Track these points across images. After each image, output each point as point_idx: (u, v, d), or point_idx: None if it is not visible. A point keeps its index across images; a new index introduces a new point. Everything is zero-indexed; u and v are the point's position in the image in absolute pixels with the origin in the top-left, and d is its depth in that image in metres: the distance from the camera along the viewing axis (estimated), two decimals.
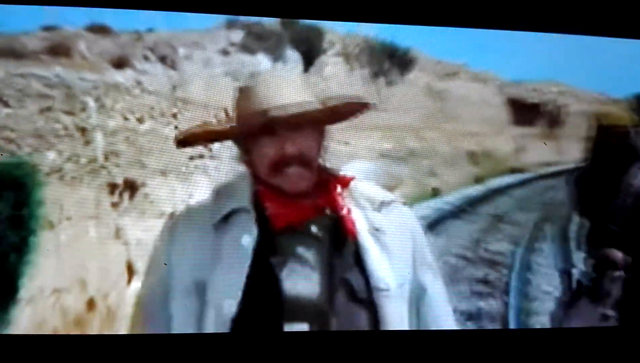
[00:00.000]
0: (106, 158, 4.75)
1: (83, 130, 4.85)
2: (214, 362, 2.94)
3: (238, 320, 2.35)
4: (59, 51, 4.90)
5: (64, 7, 5.26)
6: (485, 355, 3.23)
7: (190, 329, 2.40)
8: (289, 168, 2.37)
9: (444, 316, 2.60)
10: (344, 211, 2.42)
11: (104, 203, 4.48)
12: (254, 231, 2.39)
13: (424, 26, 3.86)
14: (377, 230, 2.44)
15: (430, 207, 6.52)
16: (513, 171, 7.22)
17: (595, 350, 3.25)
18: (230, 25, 5.35)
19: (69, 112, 4.74)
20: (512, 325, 5.13)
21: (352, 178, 2.48)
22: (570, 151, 6.50)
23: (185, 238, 2.49)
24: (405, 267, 2.48)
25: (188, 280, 2.40)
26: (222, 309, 2.35)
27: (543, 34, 3.87)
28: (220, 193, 2.54)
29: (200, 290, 2.39)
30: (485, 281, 5.62)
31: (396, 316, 2.45)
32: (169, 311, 2.44)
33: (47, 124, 4.72)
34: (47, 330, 3.99)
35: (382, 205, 2.48)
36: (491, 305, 5.32)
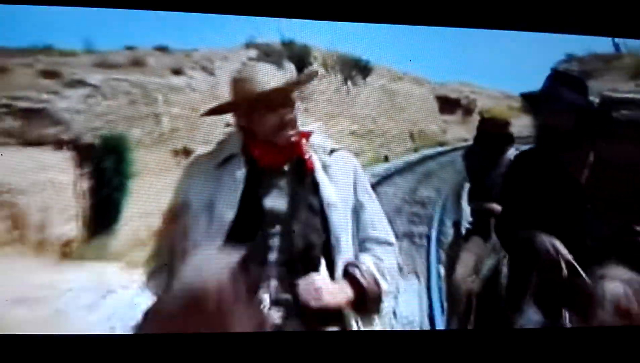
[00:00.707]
0: (170, 133, 5.52)
1: (156, 115, 5.61)
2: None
3: (234, 226, 2.47)
4: (137, 63, 5.60)
5: (141, 33, 6.02)
6: (484, 355, 3.07)
7: (202, 236, 2.50)
8: (286, 130, 2.50)
9: (378, 223, 2.68)
10: (306, 156, 2.57)
11: (170, 162, 5.01)
12: (244, 168, 2.54)
13: (379, 40, 3.85)
14: (327, 166, 2.59)
15: (383, 168, 7.31)
16: (439, 144, 7.90)
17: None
18: (248, 46, 5.63)
19: (146, 104, 5.50)
20: (433, 242, 5.72)
21: (311, 133, 2.63)
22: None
23: (198, 174, 2.61)
24: (348, 191, 2.61)
25: (201, 202, 2.54)
26: (222, 219, 2.48)
27: (465, 45, 3.94)
28: (220, 145, 2.67)
29: (210, 207, 2.51)
30: (417, 215, 6.38)
31: (341, 223, 2.58)
32: (189, 223, 2.56)
33: (133, 111, 5.48)
34: (138, 239, 4.49)
35: (331, 151, 2.62)
36: (420, 228, 6.03)
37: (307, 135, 2.60)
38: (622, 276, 2.61)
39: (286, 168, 2.55)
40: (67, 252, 4.83)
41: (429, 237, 5.92)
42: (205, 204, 2.52)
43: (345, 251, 2.56)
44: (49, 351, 2.86)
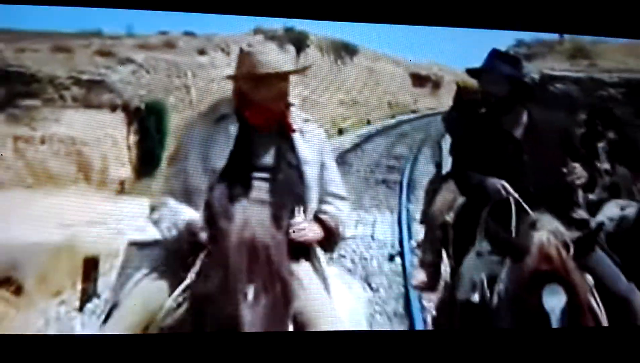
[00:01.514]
0: (197, 101, 5.85)
1: (186, 86, 6.03)
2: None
3: (225, 169, 2.53)
4: (169, 45, 6.04)
5: (169, 18, 6.23)
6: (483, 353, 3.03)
7: (199, 178, 2.54)
8: (280, 100, 2.58)
9: (337, 182, 2.76)
10: (288, 120, 2.64)
11: None
12: (236, 125, 2.59)
13: (365, 25, 3.85)
14: (303, 132, 2.67)
15: (366, 130, 7.67)
16: (412, 111, 8.12)
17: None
18: (255, 32, 5.77)
19: (178, 77, 6.00)
20: (404, 188, 6.06)
21: (293, 104, 2.68)
22: (443, 102, 7.37)
23: (195, 128, 2.65)
24: (317, 153, 2.69)
25: (198, 152, 2.55)
26: (216, 165, 2.52)
27: (433, 33, 3.94)
28: (213, 107, 2.71)
29: (205, 155, 2.54)
30: (392, 166, 6.76)
31: (313, 178, 2.65)
32: (187, 167, 2.57)
33: (168, 83, 5.93)
34: None
35: (304, 121, 2.70)
36: (394, 176, 6.43)
37: (290, 106, 2.68)
38: (548, 226, 2.67)
39: (272, 129, 2.63)
40: (121, 189, 5.29)
41: (401, 183, 6.28)
42: (201, 153, 2.55)
43: (315, 201, 2.70)
44: (49, 351, 2.81)
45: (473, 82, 3.48)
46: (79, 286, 4.07)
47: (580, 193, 3.20)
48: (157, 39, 6.00)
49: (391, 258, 4.81)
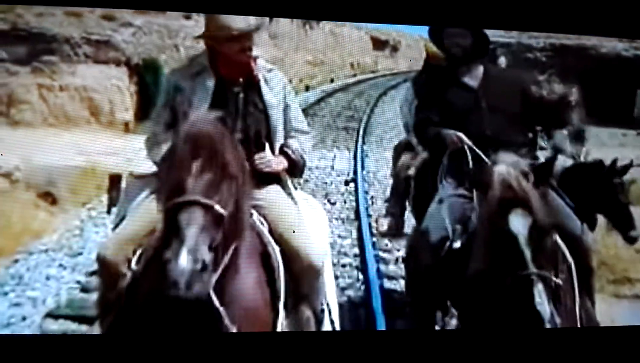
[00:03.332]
0: (185, 56, 6.32)
1: (175, 45, 7.04)
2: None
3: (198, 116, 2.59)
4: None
5: None
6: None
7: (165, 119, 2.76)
8: (244, 53, 2.85)
9: (300, 119, 3.08)
10: (254, 72, 2.91)
11: None
12: (213, 78, 2.87)
13: None
14: (267, 80, 2.94)
15: (330, 87, 8.76)
16: (372, 72, 9.08)
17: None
18: None
19: (169, 38, 7.05)
20: (360, 133, 7.17)
21: (258, 57, 2.94)
22: (400, 64, 9.03)
23: (178, 79, 2.92)
24: (281, 97, 2.98)
25: (179, 95, 2.80)
26: (200, 109, 2.68)
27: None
28: (192, 60, 3.00)
29: (187, 100, 2.76)
30: (352, 116, 7.95)
31: (278, 118, 3.00)
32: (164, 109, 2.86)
33: (162, 43, 6.99)
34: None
35: (269, 70, 2.97)
36: (353, 125, 7.67)
37: (255, 58, 2.96)
38: (508, 160, 2.83)
39: (241, 80, 2.93)
40: (127, 129, 6.33)
41: (358, 130, 7.53)
42: (186, 98, 2.79)
43: (280, 137, 3.03)
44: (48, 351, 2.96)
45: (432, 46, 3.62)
46: (103, 198, 5.18)
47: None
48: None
49: (346, 182, 6.10)
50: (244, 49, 2.90)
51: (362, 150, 6.92)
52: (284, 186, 3.04)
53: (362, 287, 4.36)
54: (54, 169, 4.98)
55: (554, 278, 2.76)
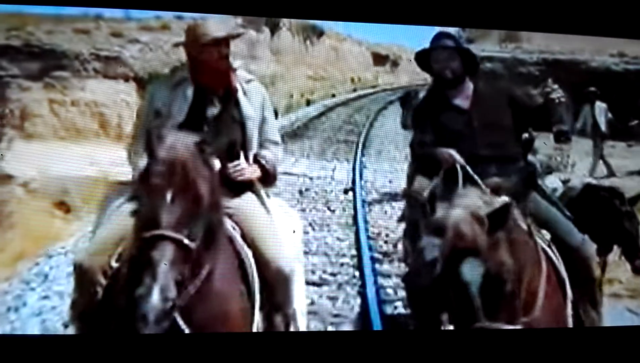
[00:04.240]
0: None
1: (180, 60, 6.85)
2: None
3: (183, 124, 2.90)
4: (164, 27, 7.42)
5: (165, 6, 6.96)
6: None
7: (164, 129, 2.85)
8: (224, 61, 2.99)
9: (275, 131, 3.25)
10: (233, 84, 3.05)
11: None
12: (192, 87, 3.01)
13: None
14: (246, 91, 3.07)
15: (331, 101, 9.04)
16: (372, 87, 9.29)
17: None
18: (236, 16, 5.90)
19: (173, 53, 6.48)
20: (360, 147, 7.51)
21: (237, 68, 3.08)
22: (400, 79, 9.18)
23: (158, 91, 3.08)
24: (258, 109, 3.13)
25: (159, 105, 2.98)
26: (176, 119, 2.93)
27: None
28: (173, 71, 3.18)
29: (167, 110, 2.97)
30: (351, 130, 8.31)
31: (253, 132, 3.12)
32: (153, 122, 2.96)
33: (167, 58, 7.15)
34: None
35: (248, 81, 3.10)
36: (352, 138, 8.06)
37: (234, 69, 3.07)
38: (468, 202, 2.86)
39: (220, 90, 3.04)
40: None
41: (357, 143, 7.93)
42: (166, 109, 2.97)
43: (255, 147, 3.13)
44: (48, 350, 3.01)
45: None
46: None
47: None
48: (155, 23, 7.39)
49: (345, 191, 6.50)
50: (222, 56, 3.03)
51: (361, 162, 7.31)
52: (257, 194, 3.15)
53: (359, 282, 4.79)
54: (67, 179, 5.21)
55: (510, 327, 2.77)
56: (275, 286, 2.98)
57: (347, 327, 4.23)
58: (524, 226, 3.05)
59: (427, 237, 3.12)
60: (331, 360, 3.31)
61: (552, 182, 4.43)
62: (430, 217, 3.04)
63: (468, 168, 3.27)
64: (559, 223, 3.37)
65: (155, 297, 2.40)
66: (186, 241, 2.54)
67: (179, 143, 2.63)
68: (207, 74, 3.08)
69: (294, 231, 3.29)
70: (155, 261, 2.46)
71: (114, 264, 2.83)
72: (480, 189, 3.07)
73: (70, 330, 3.07)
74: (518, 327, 2.76)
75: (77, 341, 3.09)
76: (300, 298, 3.18)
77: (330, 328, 4.19)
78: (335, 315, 4.39)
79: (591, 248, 3.37)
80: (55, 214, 5.55)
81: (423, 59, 3.57)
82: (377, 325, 4.13)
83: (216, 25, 3.08)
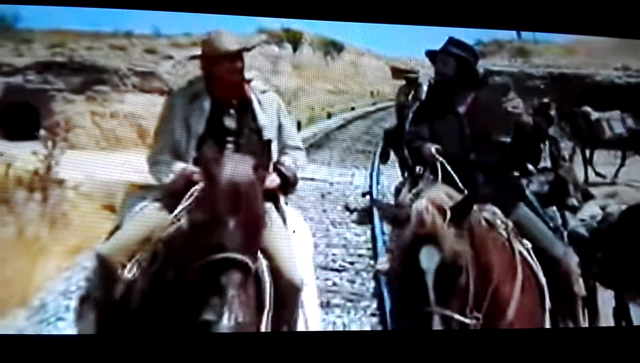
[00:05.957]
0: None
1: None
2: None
3: (203, 137, 3.13)
4: (194, 44, 6.32)
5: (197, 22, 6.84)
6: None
7: (185, 142, 3.13)
8: (239, 74, 3.21)
9: (294, 137, 3.43)
10: (248, 94, 3.26)
11: None
12: (209, 100, 3.26)
13: (352, 24, 4.34)
14: (261, 102, 3.29)
15: (350, 115, 9.46)
16: (391, 100, 8.98)
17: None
18: (260, 31, 6.74)
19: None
20: (377, 157, 7.96)
21: (252, 79, 3.29)
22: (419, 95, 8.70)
23: (177, 102, 3.30)
24: (274, 117, 3.32)
25: (180, 119, 3.19)
26: (197, 132, 3.18)
27: (412, 32, 4.37)
28: (190, 84, 3.36)
29: (186, 124, 3.22)
30: (370, 141, 8.75)
31: (271, 137, 3.35)
32: (174, 135, 3.22)
33: (198, 75, 6.13)
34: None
35: (263, 91, 3.30)
36: (370, 148, 8.56)
37: (249, 81, 3.30)
38: (433, 194, 3.08)
39: (235, 102, 3.30)
40: None
41: (374, 153, 8.36)
42: (184, 123, 3.22)
43: (274, 156, 3.40)
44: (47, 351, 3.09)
45: None
46: None
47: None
48: (184, 39, 7.49)
49: (363, 194, 7.22)
50: (235, 70, 3.35)
51: (379, 168, 7.96)
52: (276, 203, 3.42)
53: (374, 270, 5.54)
54: (113, 185, 5.74)
55: (460, 318, 2.97)
56: (285, 295, 3.18)
57: (365, 303, 5.06)
58: (504, 233, 3.38)
59: (392, 228, 3.33)
60: (332, 361, 3.54)
61: (590, 211, 4.94)
62: (393, 208, 3.30)
63: (447, 166, 3.58)
64: (543, 234, 3.67)
65: (226, 319, 2.69)
66: (250, 263, 2.82)
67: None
68: (222, 86, 3.42)
69: (294, 231, 3.47)
70: (223, 284, 2.73)
71: (134, 269, 3.02)
72: (455, 188, 3.31)
73: (71, 317, 3.35)
74: (469, 320, 3.00)
75: (76, 341, 3.24)
76: (312, 309, 3.37)
77: (348, 305, 4.96)
78: (354, 294, 5.21)
79: (572, 261, 3.64)
80: (103, 215, 6.01)
81: (431, 59, 3.98)
82: (388, 304, 4.61)
83: (230, 38, 3.39)
